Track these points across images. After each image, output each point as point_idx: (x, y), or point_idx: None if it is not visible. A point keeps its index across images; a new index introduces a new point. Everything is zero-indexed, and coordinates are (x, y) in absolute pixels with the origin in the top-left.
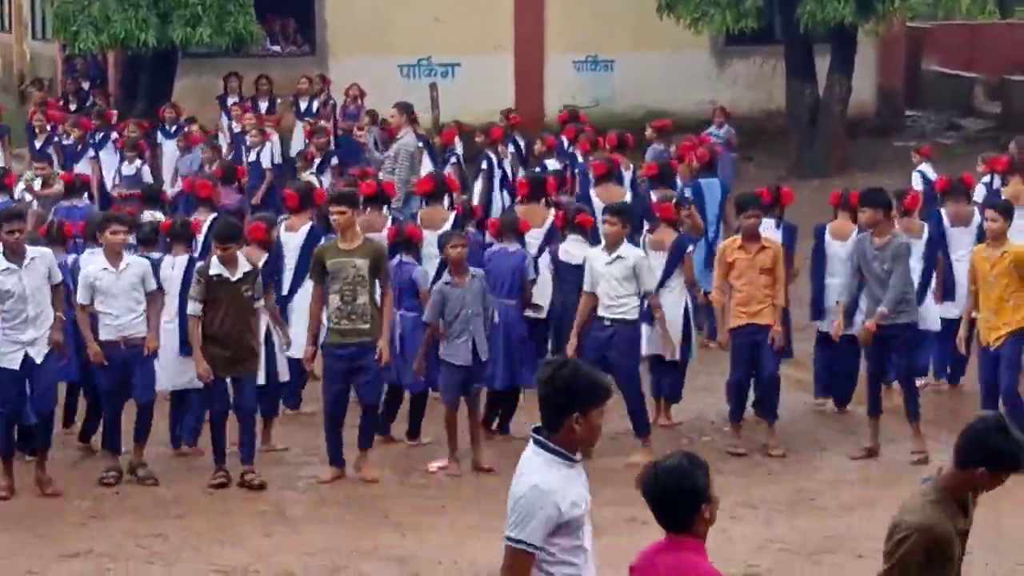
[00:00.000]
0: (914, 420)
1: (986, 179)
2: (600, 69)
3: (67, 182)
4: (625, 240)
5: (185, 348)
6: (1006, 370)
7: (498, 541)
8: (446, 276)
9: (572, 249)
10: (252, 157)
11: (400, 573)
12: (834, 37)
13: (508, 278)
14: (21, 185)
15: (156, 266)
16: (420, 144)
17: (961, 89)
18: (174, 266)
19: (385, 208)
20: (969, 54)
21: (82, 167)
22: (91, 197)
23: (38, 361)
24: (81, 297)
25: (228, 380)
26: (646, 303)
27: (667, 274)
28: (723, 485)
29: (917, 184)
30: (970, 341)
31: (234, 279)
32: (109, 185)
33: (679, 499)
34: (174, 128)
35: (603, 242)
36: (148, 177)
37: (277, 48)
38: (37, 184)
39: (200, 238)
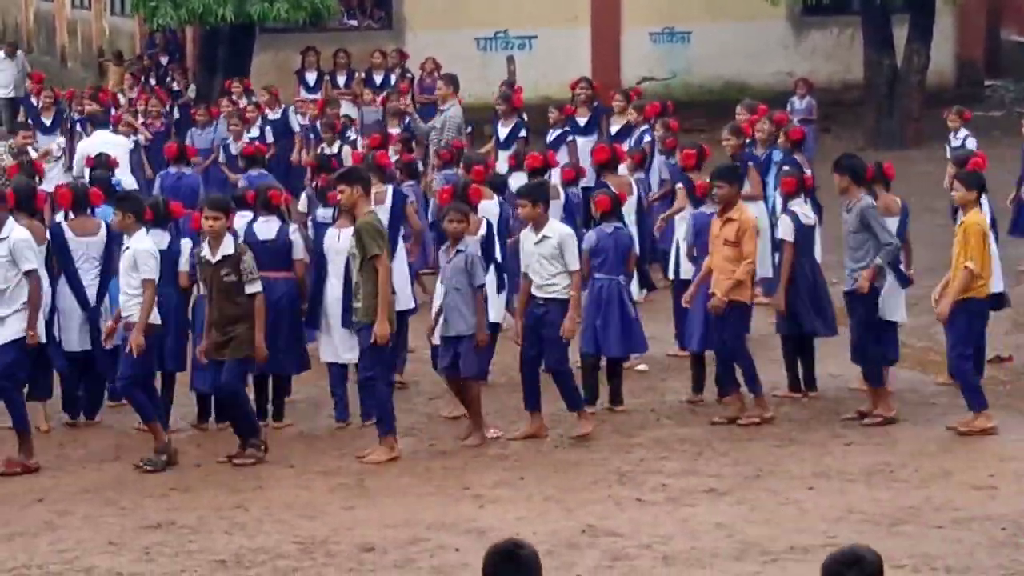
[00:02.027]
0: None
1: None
2: (677, 41)
3: (172, 152)
4: (551, 219)
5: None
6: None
7: (575, 512)
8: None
9: (806, 211)
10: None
11: (479, 545)
12: (912, 6)
13: (617, 254)
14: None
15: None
16: (461, 114)
17: None
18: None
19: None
20: None
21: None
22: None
23: None
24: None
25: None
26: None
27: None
28: (797, 454)
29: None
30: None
31: (214, 261)
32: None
33: None
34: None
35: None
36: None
37: (354, 22)
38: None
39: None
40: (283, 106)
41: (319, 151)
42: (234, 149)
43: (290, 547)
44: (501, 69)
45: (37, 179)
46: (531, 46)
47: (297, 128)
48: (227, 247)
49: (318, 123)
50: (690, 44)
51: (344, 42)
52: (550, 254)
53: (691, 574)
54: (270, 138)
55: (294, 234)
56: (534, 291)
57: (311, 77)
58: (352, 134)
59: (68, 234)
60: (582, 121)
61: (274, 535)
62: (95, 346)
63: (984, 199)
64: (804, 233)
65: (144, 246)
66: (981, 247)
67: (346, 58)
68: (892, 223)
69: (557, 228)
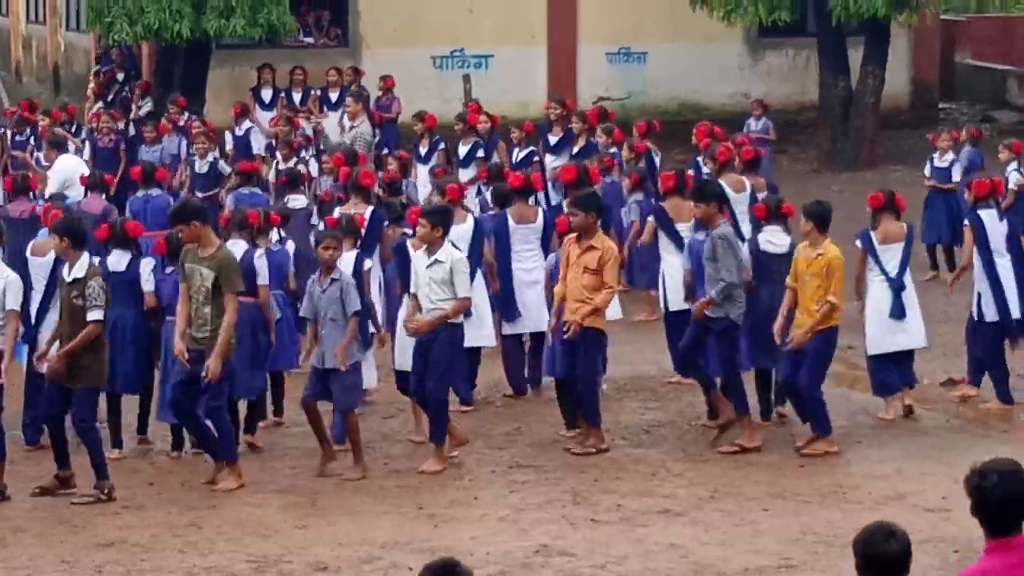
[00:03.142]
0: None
1: (1012, 166)
2: (633, 61)
3: (137, 175)
4: (446, 243)
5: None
6: (808, 368)
7: (529, 532)
8: (314, 274)
9: (773, 239)
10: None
11: None
12: (867, 29)
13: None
14: None
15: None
16: (376, 132)
17: (995, 81)
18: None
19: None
20: (1003, 46)
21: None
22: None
23: None
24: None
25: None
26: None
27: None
28: (751, 476)
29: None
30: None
31: (68, 279)
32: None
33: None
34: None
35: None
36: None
37: (311, 40)
38: None
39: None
40: (247, 125)
41: (282, 168)
42: (198, 167)
43: (243, 566)
44: (457, 87)
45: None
46: (487, 65)
47: (261, 145)
48: (79, 269)
49: (273, 141)
50: (646, 64)
51: (300, 59)
52: (440, 279)
53: None
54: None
55: (259, 259)
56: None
57: (267, 94)
58: (305, 154)
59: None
60: (553, 140)
61: (227, 553)
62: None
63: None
64: (763, 262)
65: (11, 276)
66: (843, 280)
67: (303, 75)
68: (896, 249)
69: (451, 253)
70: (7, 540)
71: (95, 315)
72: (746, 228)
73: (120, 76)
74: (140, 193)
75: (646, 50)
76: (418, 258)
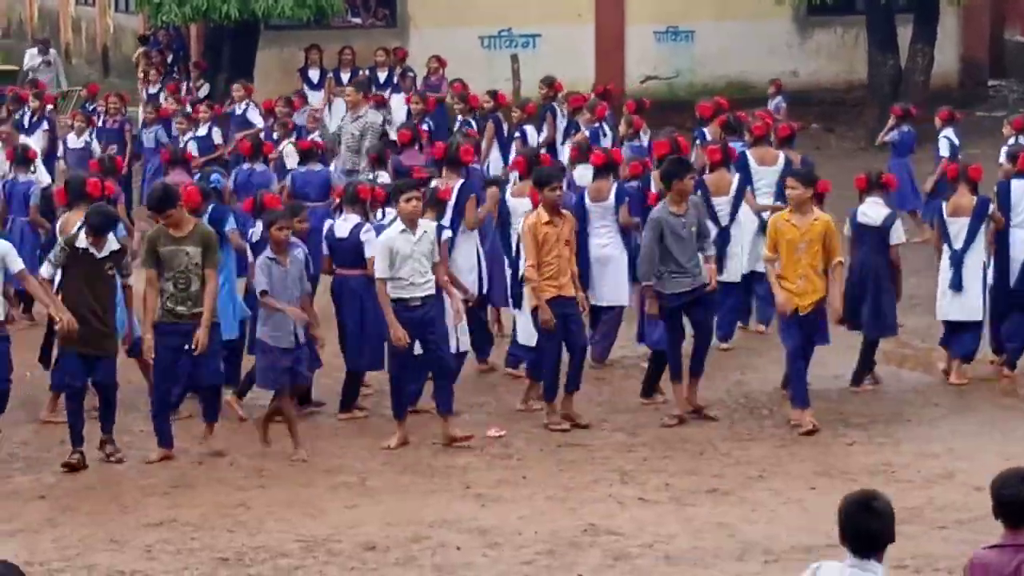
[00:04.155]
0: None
1: (1011, 141)
2: (681, 40)
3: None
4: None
5: None
6: (820, 336)
7: (577, 512)
8: (269, 252)
9: (870, 211)
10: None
11: (481, 543)
12: (916, 7)
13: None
14: None
15: None
16: (383, 119)
17: None
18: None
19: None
20: None
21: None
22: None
23: None
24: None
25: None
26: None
27: None
28: (798, 454)
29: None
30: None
31: (99, 256)
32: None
33: None
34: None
35: (402, 222)
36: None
37: (358, 20)
38: None
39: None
40: (245, 103)
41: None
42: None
43: (292, 545)
44: (505, 67)
45: None
46: (535, 44)
47: (260, 123)
48: (112, 243)
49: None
50: (694, 43)
51: (348, 40)
52: (428, 250)
53: (693, 574)
54: (218, 139)
55: (366, 233)
56: (411, 292)
57: (315, 75)
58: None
59: None
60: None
61: (276, 533)
62: None
63: None
64: (859, 233)
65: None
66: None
67: (351, 55)
68: (963, 223)
69: (430, 224)
70: (57, 520)
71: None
72: (768, 200)
73: (169, 58)
74: (245, 166)
75: (694, 29)
76: (396, 238)
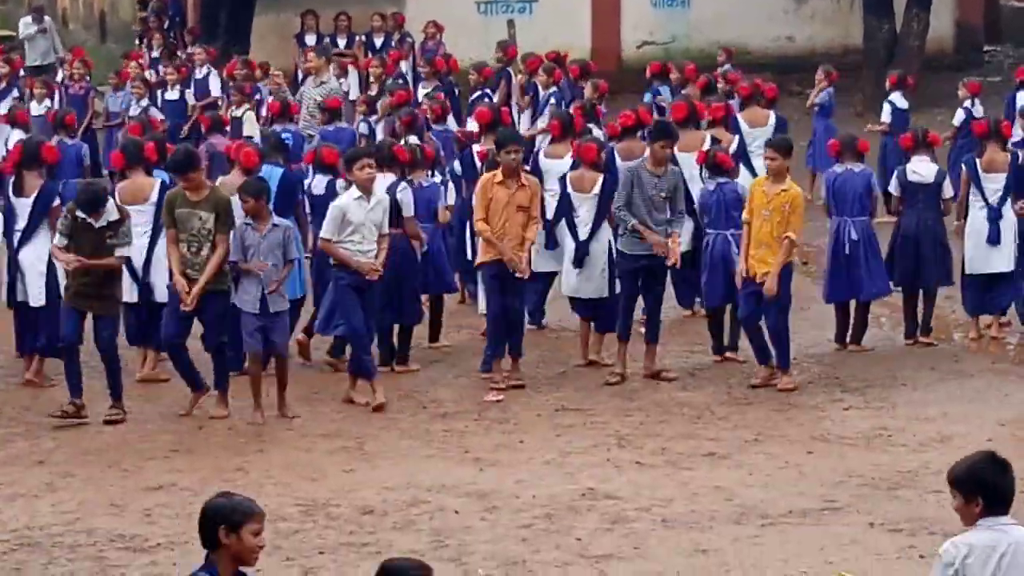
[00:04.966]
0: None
1: (967, 104)
2: (677, 5)
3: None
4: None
5: None
6: (773, 307)
7: (575, 476)
8: (248, 218)
9: (920, 169)
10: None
11: (478, 508)
12: None
13: (856, 198)
14: None
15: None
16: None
17: None
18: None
19: None
20: None
21: None
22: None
23: None
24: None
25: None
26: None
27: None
28: (795, 419)
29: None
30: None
31: (97, 226)
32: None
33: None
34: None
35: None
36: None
37: None
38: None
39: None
40: (206, 68)
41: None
42: (133, 111)
43: (291, 509)
44: (501, 33)
45: None
46: (531, 10)
47: (217, 91)
48: (112, 213)
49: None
50: (690, 8)
51: (345, 5)
52: (382, 218)
53: (690, 537)
54: (191, 100)
55: (402, 192)
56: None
57: (311, 40)
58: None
59: None
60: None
61: (275, 497)
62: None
63: None
64: (910, 190)
65: None
66: (802, 217)
67: (347, 21)
68: (999, 178)
69: (384, 192)
70: (56, 485)
71: (124, 251)
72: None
73: (165, 23)
74: (331, 127)
75: None
76: (350, 204)
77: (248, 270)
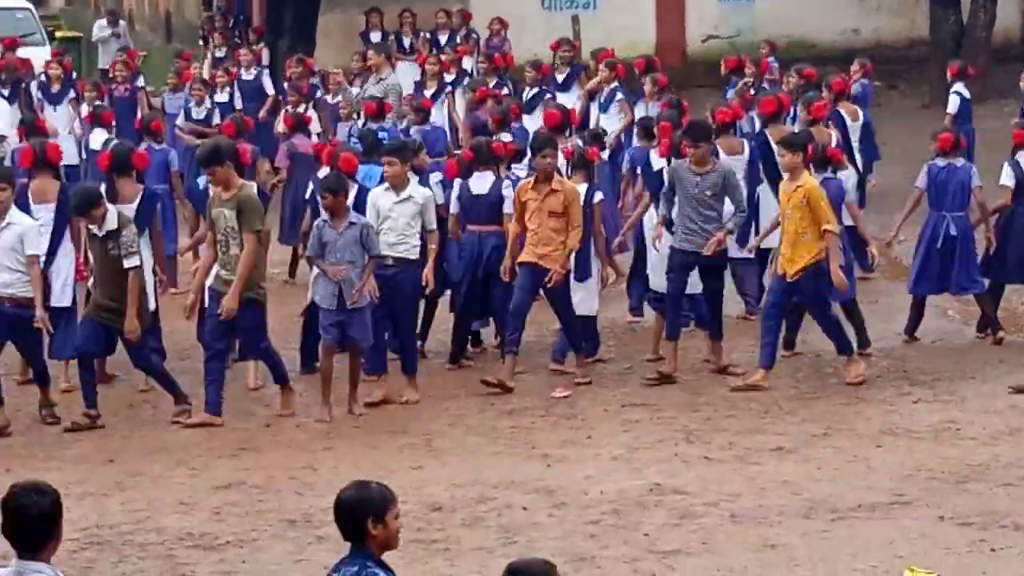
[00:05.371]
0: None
1: (958, 87)
2: None
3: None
4: (413, 180)
5: None
6: (813, 308)
7: (642, 471)
8: (325, 214)
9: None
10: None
11: (547, 504)
12: None
13: (957, 192)
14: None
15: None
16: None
17: None
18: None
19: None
20: None
21: None
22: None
23: None
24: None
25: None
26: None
27: None
28: (863, 412)
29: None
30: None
31: (100, 235)
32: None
33: None
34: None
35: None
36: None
37: None
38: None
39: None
40: (256, 68)
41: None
42: (195, 113)
43: None
44: (566, 28)
45: None
46: (595, 5)
47: (271, 90)
48: (112, 222)
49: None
50: (755, 1)
51: (409, 2)
52: (412, 214)
53: (758, 532)
54: (239, 103)
55: (507, 189)
56: (385, 251)
57: (375, 37)
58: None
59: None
60: (560, 78)
61: None
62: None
63: None
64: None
65: (28, 222)
66: (828, 207)
67: (411, 18)
68: None
69: (420, 190)
70: (126, 484)
71: (132, 262)
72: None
73: (230, 23)
74: (428, 127)
75: None
76: (383, 195)
77: (324, 270)
